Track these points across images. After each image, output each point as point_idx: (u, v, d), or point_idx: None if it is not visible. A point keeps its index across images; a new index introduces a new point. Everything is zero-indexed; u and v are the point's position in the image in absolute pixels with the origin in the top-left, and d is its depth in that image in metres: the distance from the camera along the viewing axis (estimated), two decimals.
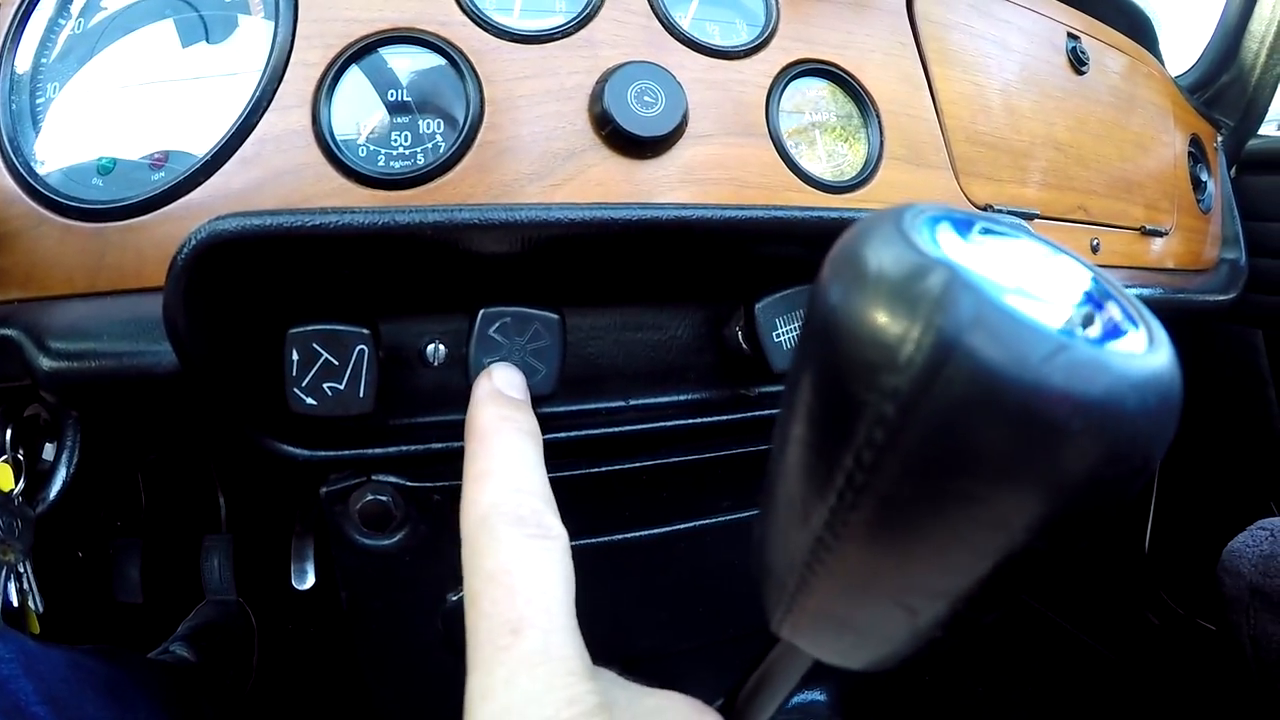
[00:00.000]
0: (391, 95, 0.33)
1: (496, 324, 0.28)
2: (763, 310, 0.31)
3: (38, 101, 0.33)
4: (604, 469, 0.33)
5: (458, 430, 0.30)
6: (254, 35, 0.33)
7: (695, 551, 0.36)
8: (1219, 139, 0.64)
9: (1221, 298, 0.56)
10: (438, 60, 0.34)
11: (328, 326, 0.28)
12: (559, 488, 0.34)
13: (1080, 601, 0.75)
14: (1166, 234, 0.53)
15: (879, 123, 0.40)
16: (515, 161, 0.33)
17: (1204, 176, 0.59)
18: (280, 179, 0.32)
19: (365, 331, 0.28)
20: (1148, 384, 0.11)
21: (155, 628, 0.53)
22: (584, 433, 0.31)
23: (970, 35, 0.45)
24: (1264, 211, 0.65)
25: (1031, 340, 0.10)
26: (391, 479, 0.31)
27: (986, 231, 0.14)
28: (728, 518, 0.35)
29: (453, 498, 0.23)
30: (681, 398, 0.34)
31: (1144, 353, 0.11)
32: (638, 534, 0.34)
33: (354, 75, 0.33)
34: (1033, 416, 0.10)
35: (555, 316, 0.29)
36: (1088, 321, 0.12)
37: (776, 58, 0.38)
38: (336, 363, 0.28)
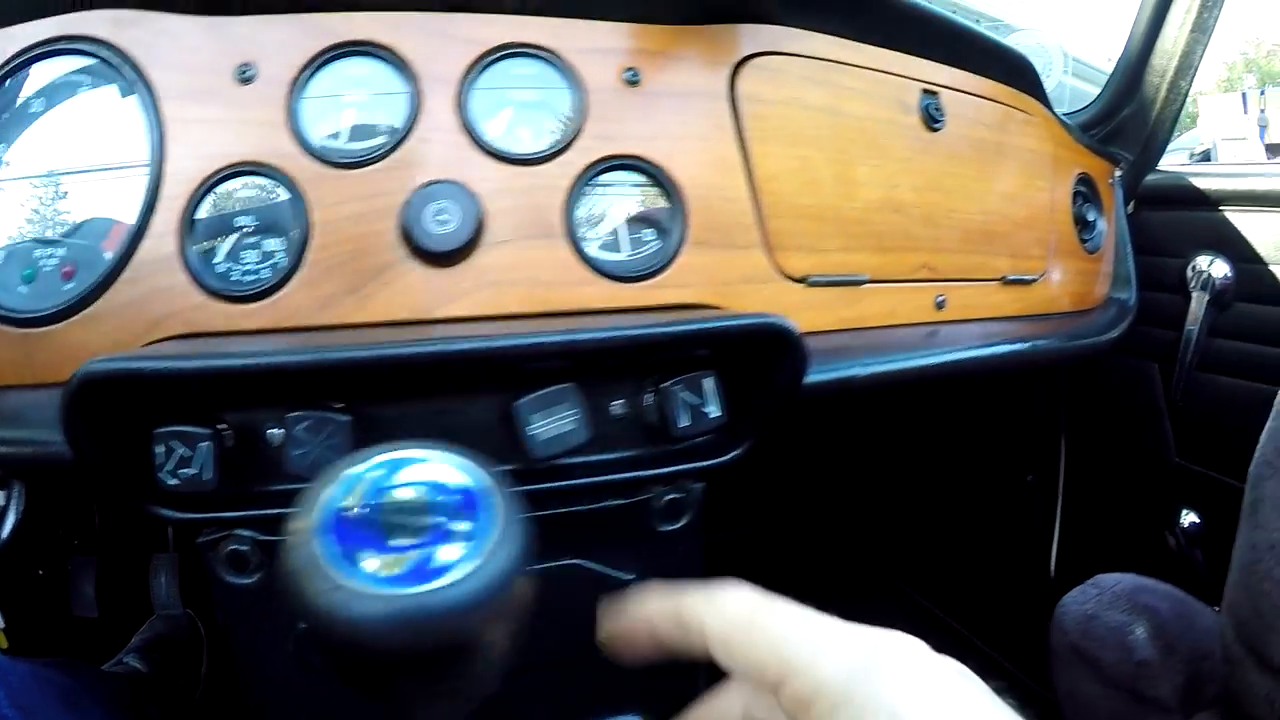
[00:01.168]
0: (240, 222, 0.40)
1: (301, 425, 0.35)
2: (523, 406, 0.36)
3: None
4: None
5: (292, 497, 0.38)
6: (137, 171, 0.41)
7: None
8: (1117, 174, 0.61)
9: (1100, 339, 0.55)
10: (277, 188, 0.40)
11: (179, 428, 0.35)
12: None
13: (990, 621, 0.77)
14: (1036, 281, 0.53)
15: (683, 210, 0.43)
16: (336, 277, 0.39)
17: (1091, 216, 0.57)
18: (158, 295, 0.40)
19: (207, 430, 0.36)
20: (395, 614, 0.16)
21: (110, 640, 0.62)
22: None
23: (800, 108, 0.47)
24: (1160, 247, 0.62)
25: (323, 580, 0.17)
26: (248, 533, 0.40)
27: (395, 466, 0.20)
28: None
29: None
30: None
31: (416, 589, 0.16)
32: None
33: (210, 203, 0.40)
34: (326, 629, 0.16)
35: (345, 419, 0.35)
36: (398, 565, 0.17)
37: (578, 159, 0.42)
38: (189, 454, 0.36)
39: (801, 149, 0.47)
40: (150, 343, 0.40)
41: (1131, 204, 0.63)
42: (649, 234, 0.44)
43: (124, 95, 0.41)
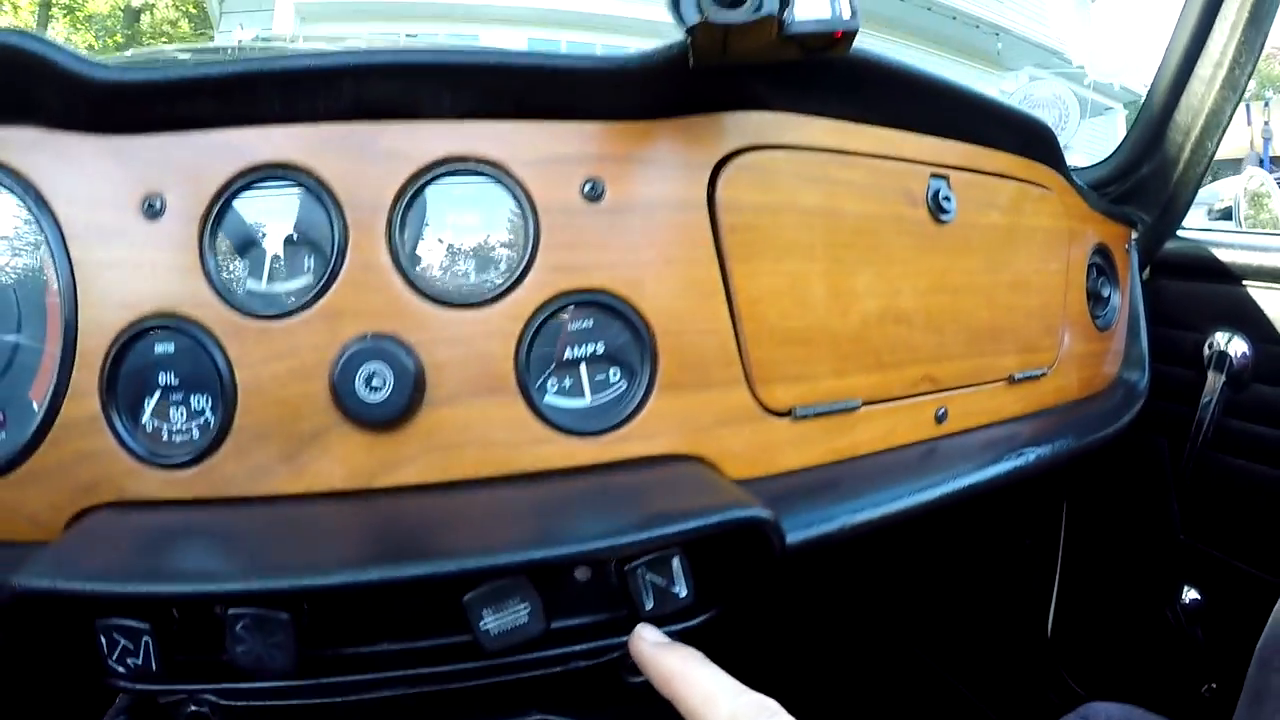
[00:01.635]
0: (164, 379, 0.36)
1: (240, 623, 0.33)
2: (473, 602, 0.34)
3: None
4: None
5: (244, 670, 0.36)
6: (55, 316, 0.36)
7: None
8: (1133, 237, 0.54)
9: (1108, 431, 0.50)
10: (195, 344, 0.36)
11: (121, 622, 0.34)
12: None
13: (986, 680, 0.76)
14: (1044, 375, 0.48)
15: (653, 348, 0.38)
16: (268, 443, 0.36)
17: (1105, 291, 0.51)
18: (84, 461, 0.36)
19: (146, 625, 0.34)
20: None
21: (95, 703, 0.62)
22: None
23: (791, 213, 0.41)
24: (1176, 319, 0.56)
25: None
26: (209, 697, 0.39)
27: None
28: None
29: (252, 712, 0.32)
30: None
31: None
32: None
33: (132, 359, 0.36)
34: None
35: (285, 616, 0.33)
36: None
37: (531, 296, 0.37)
38: (132, 646, 0.34)
39: (791, 263, 0.41)
40: (82, 511, 0.37)
41: (1147, 270, 0.56)
42: (614, 374, 0.39)
43: (33, 227, 0.37)
